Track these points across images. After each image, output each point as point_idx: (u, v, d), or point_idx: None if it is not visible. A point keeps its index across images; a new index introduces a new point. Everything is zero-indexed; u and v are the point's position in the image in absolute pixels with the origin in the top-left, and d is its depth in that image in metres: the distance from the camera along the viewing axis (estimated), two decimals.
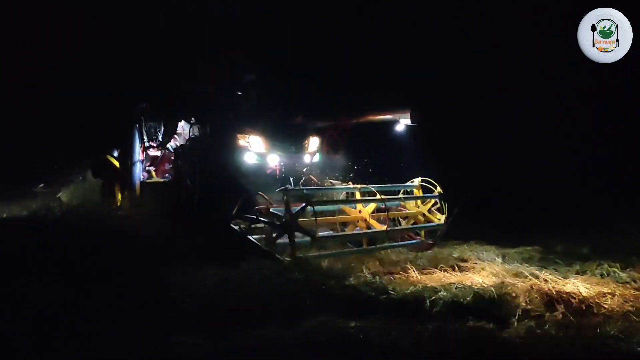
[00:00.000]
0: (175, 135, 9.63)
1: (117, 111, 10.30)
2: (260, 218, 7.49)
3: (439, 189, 8.58)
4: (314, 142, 9.46)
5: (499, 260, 7.80)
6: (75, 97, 12.21)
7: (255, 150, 8.81)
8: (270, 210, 7.40)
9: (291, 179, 9.02)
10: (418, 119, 9.50)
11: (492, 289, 5.84)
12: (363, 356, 4.34)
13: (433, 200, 8.73)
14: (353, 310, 5.20)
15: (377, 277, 6.73)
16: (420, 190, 8.77)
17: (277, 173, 9.14)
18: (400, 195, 8.78)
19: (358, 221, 8.21)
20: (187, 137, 9.28)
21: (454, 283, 6.22)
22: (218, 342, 4.56)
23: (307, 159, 9.31)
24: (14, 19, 13.26)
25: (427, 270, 7.29)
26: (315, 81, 11.84)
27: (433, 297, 5.60)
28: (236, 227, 7.67)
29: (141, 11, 11.45)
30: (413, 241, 8.70)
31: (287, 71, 11.18)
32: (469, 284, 6.14)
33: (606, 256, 7.54)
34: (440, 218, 8.62)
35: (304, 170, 9.26)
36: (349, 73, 13.28)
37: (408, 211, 8.79)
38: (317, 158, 9.48)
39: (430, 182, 8.64)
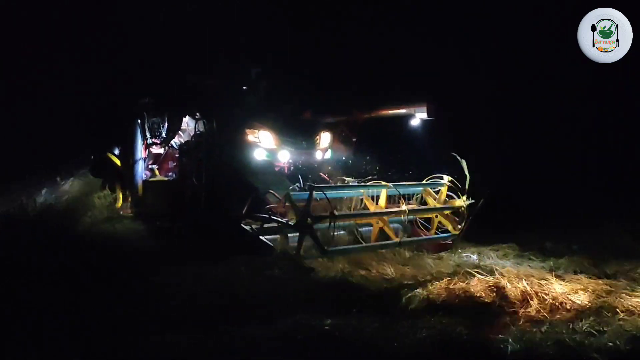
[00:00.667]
0: (180, 132, 9.19)
1: (118, 106, 9.83)
2: (273, 217, 7.10)
3: (464, 198, 8.16)
4: (325, 138, 9.07)
5: (474, 257, 7.77)
6: (74, 92, 11.63)
7: (264, 146, 8.42)
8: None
9: (300, 177, 8.66)
10: (435, 112, 9.11)
11: (467, 285, 5.86)
12: (339, 353, 4.33)
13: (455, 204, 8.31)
14: (330, 308, 5.22)
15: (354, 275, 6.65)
16: (446, 189, 8.35)
17: (285, 170, 8.77)
18: (427, 206, 8.37)
19: (377, 221, 7.76)
20: (191, 134, 8.87)
21: (429, 280, 6.22)
22: (196, 340, 4.56)
23: (318, 155, 8.91)
24: (13, 9, 12.67)
25: (404, 268, 7.15)
26: (325, 74, 11.39)
27: (409, 295, 5.65)
28: (247, 227, 7.30)
29: (144, 3, 10.96)
30: (426, 237, 8.33)
31: (296, 64, 10.73)
32: (445, 282, 6.08)
33: (581, 253, 7.59)
34: (457, 228, 8.23)
35: (315, 167, 8.87)
36: (360, 65, 12.87)
37: (427, 209, 8.34)
38: (328, 154, 9.10)
39: (458, 185, 8.23)
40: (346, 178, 8.69)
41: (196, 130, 8.66)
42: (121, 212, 9.69)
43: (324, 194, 7.04)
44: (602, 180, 12.32)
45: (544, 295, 5.50)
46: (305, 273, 6.43)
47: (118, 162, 9.66)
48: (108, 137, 9.78)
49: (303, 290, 5.82)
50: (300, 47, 11.86)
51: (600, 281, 6.31)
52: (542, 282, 5.95)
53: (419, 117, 9.39)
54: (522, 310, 5.27)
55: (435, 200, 8.42)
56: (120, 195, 9.67)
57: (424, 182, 8.49)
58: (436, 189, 8.45)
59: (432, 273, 6.70)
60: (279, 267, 6.41)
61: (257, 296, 5.61)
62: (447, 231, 8.39)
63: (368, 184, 8.05)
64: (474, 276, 6.23)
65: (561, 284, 5.93)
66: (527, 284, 5.77)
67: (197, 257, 6.87)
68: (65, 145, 10.62)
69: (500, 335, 4.55)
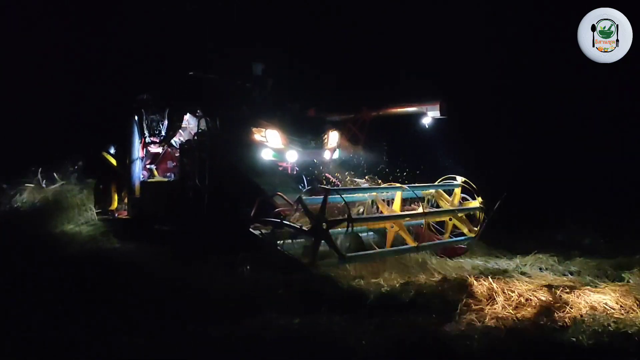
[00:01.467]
0: (180, 130, 8.70)
1: (114, 103, 9.32)
2: (285, 222, 6.65)
3: (479, 199, 7.84)
4: (333, 137, 8.68)
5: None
6: (67, 88, 10.96)
7: (272, 145, 7.99)
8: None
9: (305, 178, 8.30)
10: (449, 111, 8.75)
11: (434, 283, 5.93)
12: (307, 352, 4.37)
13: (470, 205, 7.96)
14: (298, 307, 5.30)
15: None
16: (460, 190, 7.98)
17: (289, 171, 8.37)
18: (442, 208, 7.96)
19: (392, 225, 7.36)
20: (192, 132, 8.40)
21: (398, 279, 6.27)
22: (161, 340, 4.58)
23: (327, 155, 8.51)
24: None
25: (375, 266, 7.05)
26: (332, 69, 10.94)
27: (377, 293, 5.77)
28: (256, 232, 6.87)
29: None
30: (443, 241, 7.90)
31: (301, 58, 10.25)
32: (412, 280, 6.19)
33: (547, 250, 7.64)
34: (473, 229, 7.87)
35: (321, 167, 8.48)
36: (369, 60, 12.45)
37: (444, 211, 7.96)
38: (336, 154, 8.70)
39: (472, 186, 7.88)
40: (357, 180, 8.29)
41: (198, 128, 8.20)
42: (116, 215, 9.26)
43: (341, 197, 6.60)
44: (597, 180, 12.12)
45: (510, 292, 5.58)
46: (276, 272, 6.26)
47: (114, 161, 9.22)
48: (103, 136, 9.30)
49: (273, 289, 5.82)
50: (306, 41, 11.37)
51: (564, 278, 6.52)
52: (508, 279, 6.12)
53: (430, 116, 9.03)
54: (489, 307, 5.33)
55: (448, 202, 8.07)
56: (116, 197, 9.24)
57: (436, 183, 8.12)
58: (449, 190, 8.10)
59: (400, 272, 6.67)
60: (251, 266, 6.41)
61: (227, 295, 5.66)
62: (462, 234, 8.03)
63: (383, 186, 7.64)
64: (441, 274, 6.34)
65: (527, 281, 6.08)
66: (493, 281, 5.83)
67: (172, 257, 7.02)
68: (54, 144, 10.00)
69: (466, 333, 4.66)
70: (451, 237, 7.98)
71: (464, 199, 8.12)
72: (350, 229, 6.39)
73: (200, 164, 7.93)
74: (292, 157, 8.12)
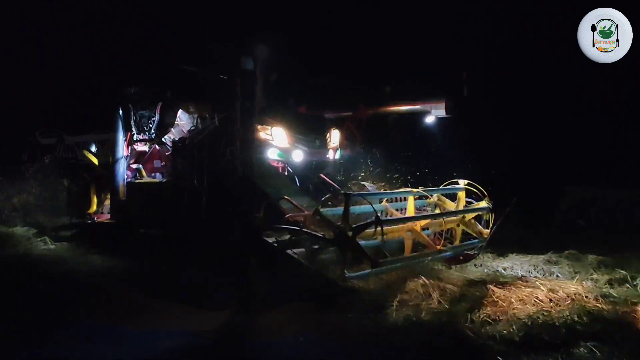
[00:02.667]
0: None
1: (97, 96, 8.47)
2: (305, 230, 6.20)
3: (487, 200, 7.65)
4: (335, 136, 8.30)
5: None
6: (42, 76, 9.82)
7: (278, 144, 7.52)
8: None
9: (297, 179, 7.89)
10: (455, 110, 8.50)
11: (370, 281, 6.01)
12: (243, 346, 4.57)
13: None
14: (240, 305, 5.48)
15: None
16: (464, 194, 7.78)
17: (280, 170, 7.94)
18: (455, 209, 7.70)
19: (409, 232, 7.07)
20: (184, 129, 7.77)
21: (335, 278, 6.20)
22: (111, 336, 4.78)
23: (330, 154, 8.13)
24: None
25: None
26: (328, 63, 10.39)
27: (317, 292, 5.79)
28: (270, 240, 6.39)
29: None
30: (465, 243, 7.65)
31: (296, 50, 9.65)
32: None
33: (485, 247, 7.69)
34: (482, 232, 7.70)
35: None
36: (369, 54, 12.00)
37: (459, 211, 7.74)
38: (338, 154, 8.33)
39: (478, 188, 7.69)
40: (364, 183, 7.95)
41: (194, 125, 7.58)
42: (95, 219, 8.45)
43: (371, 204, 6.23)
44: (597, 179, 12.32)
45: (445, 288, 5.70)
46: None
47: (95, 160, 8.39)
48: (84, 132, 8.45)
49: (217, 287, 5.94)
50: (297, 30, 10.76)
51: (497, 273, 6.74)
52: (442, 276, 6.24)
53: (435, 115, 8.76)
54: (424, 303, 5.43)
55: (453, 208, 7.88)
56: (95, 199, 8.40)
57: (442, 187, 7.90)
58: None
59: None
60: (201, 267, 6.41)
61: (176, 295, 5.79)
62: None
63: (397, 190, 7.34)
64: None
65: (462, 277, 6.23)
66: (428, 277, 5.91)
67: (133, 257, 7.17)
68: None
69: (402, 327, 4.86)
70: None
71: (468, 202, 7.96)
72: (381, 234, 6.07)
73: (198, 164, 7.34)
74: (298, 156, 7.71)
